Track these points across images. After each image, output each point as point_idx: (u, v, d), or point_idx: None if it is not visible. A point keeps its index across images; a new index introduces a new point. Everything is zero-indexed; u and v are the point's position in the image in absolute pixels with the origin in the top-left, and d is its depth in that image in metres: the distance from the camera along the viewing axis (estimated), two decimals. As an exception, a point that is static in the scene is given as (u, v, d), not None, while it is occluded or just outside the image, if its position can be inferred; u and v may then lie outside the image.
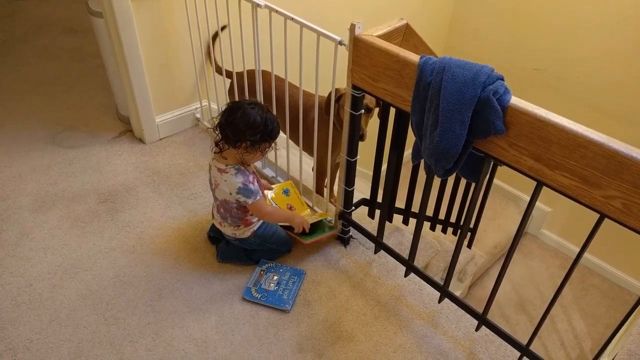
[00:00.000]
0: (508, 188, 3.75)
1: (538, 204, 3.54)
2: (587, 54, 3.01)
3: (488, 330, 1.60)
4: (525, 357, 1.53)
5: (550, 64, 3.19)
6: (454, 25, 3.59)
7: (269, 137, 1.58)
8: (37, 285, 1.74)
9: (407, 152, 1.64)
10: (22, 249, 1.86)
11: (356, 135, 1.66)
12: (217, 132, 1.60)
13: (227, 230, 1.77)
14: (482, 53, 3.47)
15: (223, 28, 2.18)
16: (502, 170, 1.76)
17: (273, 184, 2.02)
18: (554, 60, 3.17)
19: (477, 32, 3.48)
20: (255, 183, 1.65)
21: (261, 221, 1.79)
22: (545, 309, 1.41)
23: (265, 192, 1.86)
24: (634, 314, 1.36)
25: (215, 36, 2.24)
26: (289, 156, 2.06)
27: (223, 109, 1.60)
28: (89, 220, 1.99)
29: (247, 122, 1.53)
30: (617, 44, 2.86)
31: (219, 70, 2.27)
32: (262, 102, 2.04)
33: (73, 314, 1.66)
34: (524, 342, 1.51)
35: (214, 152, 1.64)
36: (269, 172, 2.24)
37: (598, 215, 1.16)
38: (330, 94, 1.77)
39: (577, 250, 1.27)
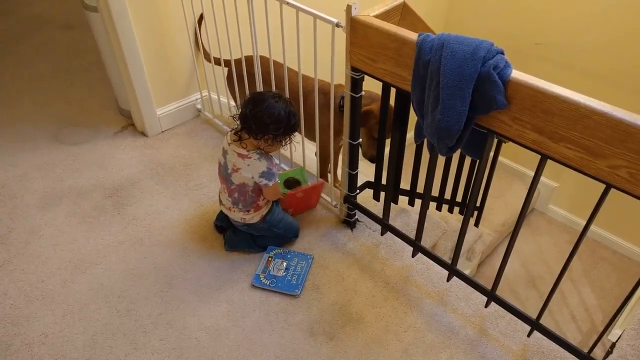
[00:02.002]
0: (514, 165, 3.72)
1: (544, 179, 3.55)
2: (590, 26, 2.95)
3: (498, 306, 1.60)
4: (535, 331, 1.54)
5: (553, 37, 3.14)
6: (454, 3, 3.54)
7: (291, 130, 1.61)
8: (48, 281, 1.76)
9: (410, 135, 1.63)
10: (32, 247, 1.88)
11: (357, 118, 1.65)
12: (237, 122, 1.62)
13: (236, 216, 1.78)
14: (482, 29, 3.42)
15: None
16: (507, 147, 1.75)
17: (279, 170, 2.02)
18: (557, 34, 3.12)
19: (477, 8, 3.43)
20: (275, 167, 1.70)
21: (269, 207, 1.80)
22: (555, 282, 1.41)
23: None
24: (643, 283, 1.35)
25: (200, 19, 2.22)
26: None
27: (246, 99, 1.61)
28: (96, 215, 2.00)
29: (272, 116, 1.54)
30: (622, 14, 2.81)
31: (217, 62, 2.25)
32: (262, 88, 2.04)
33: (85, 307, 1.68)
34: (534, 316, 1.51)
35: (233, 141, 1.65)
36: (272, 159, 2.23)
37: (604, 187, 1.15)
38: (329, 87, 1.75)
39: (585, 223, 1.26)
